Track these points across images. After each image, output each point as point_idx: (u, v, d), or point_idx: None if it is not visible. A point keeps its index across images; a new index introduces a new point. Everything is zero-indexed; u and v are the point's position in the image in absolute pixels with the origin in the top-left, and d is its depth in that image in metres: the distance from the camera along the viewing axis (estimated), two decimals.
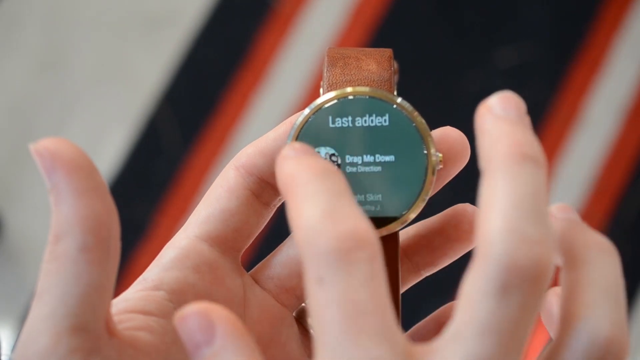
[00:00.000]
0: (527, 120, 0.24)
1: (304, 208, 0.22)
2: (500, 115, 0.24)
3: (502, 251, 0.21)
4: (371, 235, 0.22)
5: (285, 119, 0.30)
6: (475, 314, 0.21)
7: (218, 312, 0.23)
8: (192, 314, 0.23)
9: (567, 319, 0.23)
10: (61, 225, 0.24)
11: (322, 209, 0.22)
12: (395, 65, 0.31)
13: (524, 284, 0.21)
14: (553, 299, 0.26)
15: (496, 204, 0.22)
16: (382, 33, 1.11)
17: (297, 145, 0.24)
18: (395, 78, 0.31)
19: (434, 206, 0.31)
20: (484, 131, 0.23)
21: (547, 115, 1.07)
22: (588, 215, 1.04)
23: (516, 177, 0.22)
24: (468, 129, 0.32)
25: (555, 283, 0.26)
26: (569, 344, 0.22)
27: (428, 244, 0.31)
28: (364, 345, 0.21)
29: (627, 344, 0.22)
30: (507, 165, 0.22)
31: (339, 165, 0.29)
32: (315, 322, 0.22)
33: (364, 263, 0.21)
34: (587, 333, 0.22)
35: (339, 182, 0.23)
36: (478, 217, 0.22)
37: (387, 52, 0.31)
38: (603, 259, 0.24)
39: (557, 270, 0.25)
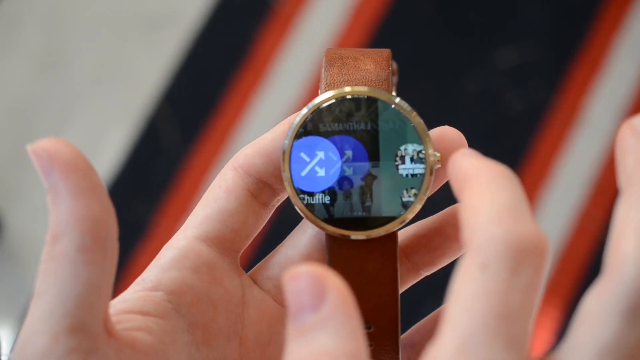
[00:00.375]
0: None
1: (491, 197, 0.22)
2: None
3: (635, 272, 0.21)
4: (548, 247, 0.22)
5: (284, 119, 0.30)
6: (600, 332, 0.21)
7: (333, 281, 0.22)
8: (305, 274, 0.22)
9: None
10: (59, 226, 0.24)
11: (508, 204, 0.22)
12: (394, 65, 0.31)
13: None
14: None
15: (633, 225, 0.22)
16: (382, 33, 1.11)
17: (474, 151, 0.24)
18: (394, 79, 0.31)
19: (432, 206, 0.31)
20: (626, 149, 0.23)
21: (547, 115, 1.07)
22: (588, 216, 1.04)
23: None
24: (467, 128, 0.32)
25: None
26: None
27: (427, 243, 0.31)
28: (497, 347, 0.20)
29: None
30: None
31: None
32: (458, 305, 0.21)
33: (532, 270, 0.21)
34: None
35: (521, 188, 0.23)
36: (612, 235, 0.22)
37: (385, 52, 0.31)
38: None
39: None
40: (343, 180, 0.29)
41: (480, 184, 0.23)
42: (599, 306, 0.21)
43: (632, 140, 0.23)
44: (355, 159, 0.29)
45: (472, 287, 0.21)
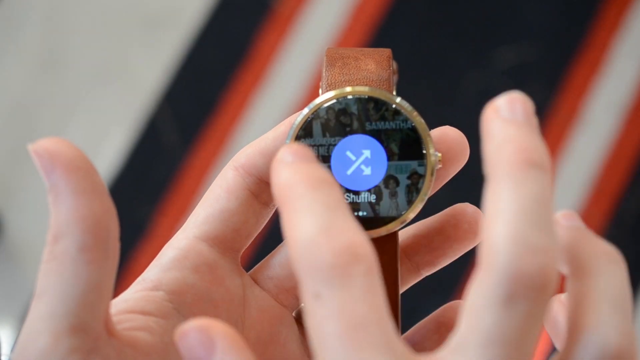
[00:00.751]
0: (534, 122, 0.23)
1: (299, 222, 0.22)
2: (506, 118, 0.23)
3: (506, 260, 0.21)
4: (367, 248, 0.22)
5: (285, 119, 0.30)
6: (480, 324, 0.21)
7: (218, 328, 0.23)
8: (192, 329, 0.23)
9: (576, 330, 0.22)
10: (60, 225, 0.24)
11: (317, 224, 0.21)
12: (395, 65, 0.31)
13: (529, 293, 0.21)
14: (558, 307, 0.26)
15: (500, 212, 0.21)
16: (382, 33, 1.11)
17: (295, 148, 0.23)
18: (395, 78, 0.31)
19: (433, 206, 0.31)
20: (489, 134, 0.23)
21: (547, 115, 1.07)
22: (588, 215, 1.04)
23: (520, 185, 0.22)
24: (467, 128, 0.32)
25: (560, 290, 0.25)
26: (578, 355, 0.22)
27: (428, 243, 0.31)
28: (365, 357, 0.20)
29: (636, 353, 0.22)
30: (511, 172, 0.22)
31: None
32: (314, 338, 0.21)
33: (361, 277, 0.21)
34: (596, 344, 0.22)
35: (335, 194, 0.22)
36: (482, 224, 0.22)
37: (386, 52, 0.31)
38: (610, 268, 0.23)
39: (563, 278, 0.24)
40: (388, 178, 0.29)
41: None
42: (476, 297, 0.21)
43: (495, 122, 0.23)
44: (355, 158, 0.29)
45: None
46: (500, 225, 0.21)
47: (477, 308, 0.21)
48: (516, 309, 0.21)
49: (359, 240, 0.22)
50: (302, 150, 0.23)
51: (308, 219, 0.22)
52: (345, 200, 0.23)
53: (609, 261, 0.23)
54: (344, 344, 0.21)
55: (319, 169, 0.23)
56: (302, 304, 0.22)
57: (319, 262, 0.21)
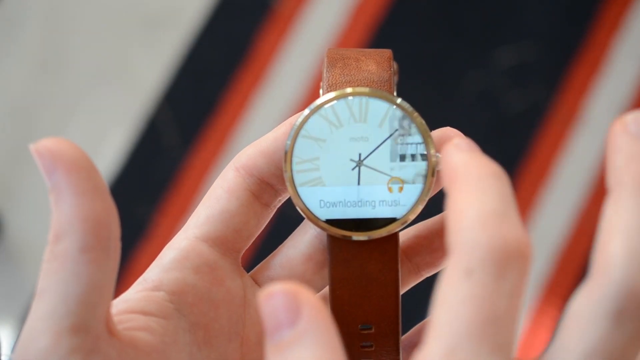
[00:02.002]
0: None
1: (477, 199, 0.22)
2: (636, 134, 0.23)
3: (622, 275, 0.21)
4: (531, 251, 0.22)
5: (285, 119, 0.30)
6: (587, 334, 0.21)
7: (306, 296, 0.22)
8: (279, 292, 0.22)
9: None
10: (61, 225, 0.24)
11: (494, 207, 0.22)
12: (395, 66, 0.31)
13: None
14: None
15: (621, 227, 0.21)
16: (382, 33, 1.11)
17: (469, 140, 0.24)
18: (395, 79, 0.31)
19: (433, 207, 0.31)
20: (616, 148, 0.23)
21: (547, 115, 1.07)
22: (588, 216, 1.04)
23: None
24: (467, 128, 0.32)
25: None
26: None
27: (428, 244, 0.31)
28: (483, 352, 0.20)
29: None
30: (636, 189, 0.22)
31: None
32: (443, 311, 0.21)
33: (517, 275, 0.21)
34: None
35: (509, 187, 0.23)
36: (600, 237, 0.22)
37: (387, 52, 0.31)
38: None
39: None
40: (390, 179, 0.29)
41: (467, 184, 0.23)
42: (586, 308, 0.21)
43: (622, 138, 0.23)
44: (355, 159, 0.29)
45: (457, 293, 0.21)
46: (620, 240, 0.21)
47: (585, 319, 0.21)
48: (625, 326, 0.21)
49: (527, 240, 0.22)
50: (470, 143, 0.24)
51: (486, 198, 0.22)
52: (515, 200, 0.23)
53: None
54: (470, 331, 0.21)
55: (495, 164, 0.23)
56: (443, 277, 0.21)
57: (483, 241, 0.21)
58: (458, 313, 0.21)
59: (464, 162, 0.23)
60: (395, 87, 0.30)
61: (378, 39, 1.11)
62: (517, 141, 1.07)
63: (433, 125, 0.30)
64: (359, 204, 0.29)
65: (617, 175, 0.23)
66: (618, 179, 0.23)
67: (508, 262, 0.21)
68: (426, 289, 0.32)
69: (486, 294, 0.21)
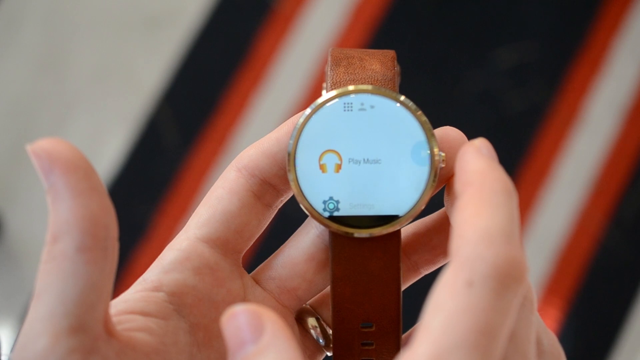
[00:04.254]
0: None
1: (488, 214, 0.23)
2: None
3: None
4: (528, 276, 0.23)
5: (285, 119, 0.30)
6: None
7: (268, 314, 0.23)
8: (243, 312, 0.23)
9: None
10: (59, 226, 0.23)
11: (504, 227, 0.23)
12: (398, 68, 0.31)
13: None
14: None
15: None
16: (382, 33, 1.11)
17: (489, 146, 0.25)
18: (398, 80, 0.31)
19: (432, 205, 0.31)
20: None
21: (547, 115, 1.07)
22: (588, 215, 1.04)
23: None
24: (467, 128, 0.32)
25: None
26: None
27: (427, 242, 0.31)
28: None
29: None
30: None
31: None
32: (438, 316, 0.22)
33: (514, 295, 0.22)
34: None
35: (517, 207, 0.24)
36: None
37: (391, 53, 0.31)
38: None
39: None
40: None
41: (481, 196, 0.24)
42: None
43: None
44: (359, 157, 0.29)
45: (456, 301, 0.22)
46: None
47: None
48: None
49: (525, 262, 0.23)
50: (494, 152, 0.25)
51: (497, 216, 0.23)
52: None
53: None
54: (464, 343, 0.21)
55: (508, 179, 0.25)
56: (446, 287, 0.23)
57: (491, 258, 0.22)
58: (453, 320, 0.22)
59: (481, 171, 0.24)
60: (398, 88, 0.30)
61: (378, 39, 1.11)
62: (517, 141, 1.07)
63: (433, 125, 0.30)
64: (362, 201, 0.29)
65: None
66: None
67: (509, 281, 0.22)
68: (427, 287, 0.32)
69: (484, 307, 0.22)
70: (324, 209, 0.29)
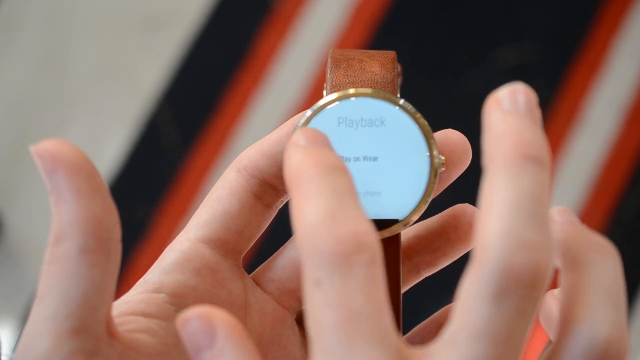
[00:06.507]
0: (536, 115, 0.23)
1: (306, 207, 0.22)
2: (507, 110, 0.22)
3: (498, 255, 0.21)
4: (372, 238, 0.21)
5: (285, 119, 0.30)
6: (470, 318, 0.21)
7: (219, 316, 0.23)
8: (193, 317, 0.23)
9: (567, 322, 0.22)
10: (61, 227, 0.23)
11: (323, 209, 0.21)
12: (399, 68, 0.31)
13: (519, 289, 0.21)
14: (552, 301, 0.26)
15: (495, 206, 0.21)
16: (382, 33, 1.11)
17: (309, 132, 0.23)
18: (399, 81, 0.31)
19: (433, 207, 0.31)
20: (489, 126, 0.23)
21: (547, 115, 1.07)
22: (588, 215, 1.04)
23: (516, 179, 0.21)
24: (468, 129, 0.32)
25: (554, 285, 0.25)
26: (568, 347, 0.22)
27: (428, 244, 0.31)
28: (358, 350, 0.21)
29: (626, 345, 0.22)
30: (508, 166, 0.21)
31: None
32: (311, 324, 0.21)
33: (363, 267, 0.21)
34: (586, 335, 0.22)
35: (344, 180, 0.22)
36: (477, 218, 0.22)
37: (391, 54, 0.31)
38: (603, 261, 0.23)
39: (556, 272, 0.24)
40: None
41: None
42: (467, 292, 0.21)
43: (495, 115, 0.22)
44: (359, 160, 0.29)
45: (313, 304, 0.21)
46: (494, 220, 0.21)
47: (468, 303, 0.21)
48: (506, 305, 0.21)
49: (364, 229, 0.21)
50: (316, 134, 0.23)
51: (315, 203, 0.22)
52: (354, 188, 0.23)
53: (601, 253, 0.23)
54: (338, 335, 0.21)
55: (331, 155, 0.23)
56: (303, 292, 0.22)
57: (321, 248, 0.21)
58: (319, 321, 0.21)
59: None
60: (399, 89, 0.30)
61: (378, 39, 1.11)
62: None
63: (433, 125, 0.30)
64: (362, 204, 0.29)
65: (489, 154, 0.22)
66: (490, 158, 0.22)
67: (350, 258, 0.21)
68: (427, 290, 0.32)
69: (337, 296, 0.21)
70: None
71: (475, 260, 0.21)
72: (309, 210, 0.22)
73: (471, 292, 0.21)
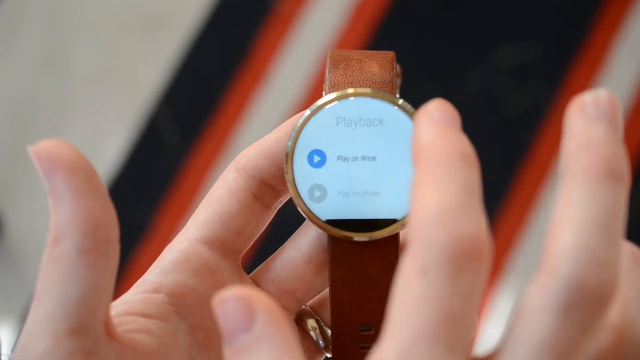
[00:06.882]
0: (620, 125, 0.22)
1: (433, 191, 0.21)
2: (592, 118, 0.22)
3: (571, 268, 0.20)
4: (488, 247, 0.21)
5: (285, 119, 0.30)
6: (535, 328, 0.20)
7: (260, 299, 0.22)
8: (232, 297, 0.22)
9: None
10: (60, 227, 0.23)
11: (453, 200, 0.20)
12: (398, 68, 0.31)
13: (588, 305, 0.20)
14: None
15: (572, 218, 0.21)
16: (382, 33, 1.11)
17: (445, 107, 0.22)
18: (398, 81, 0.31)
19: None
20: (572, 132, 0.22)
21: (547, 116, 1.07)
22: None
23: (596, 194, 0.21)
24: (467, 128, 0.32)
25: None
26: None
27: None
28: (437, 353, 0.20)
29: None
30: (589, 180, 0.21)
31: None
32: (399, 309, 0.20)
33: (474, 274, 0.20)
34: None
35: (476, 176, 0.21)
36: (550, 228, 0.21)
37: (390, 54, 0.30)
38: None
39: None
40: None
41: (430, 170, 0.21)
42: (535, 302, 0.21)
43: (578, 121, 0.22)
44: (357, 160, 0.29)
45: (413, 292, 0.20)
46: (569, 232, 0.21)
47: (533, 312, 0.21)
48: (573, 319, 0.20)
49: (484, 235, 0.21)
50: (452, 111, 0.22)
51: (443, 190, 0.21)
52: (481, 186, 0.22)
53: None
54: (426, 332, 0.20)
55: (466, 142, 0.22)
56: (399, 272, 0.20)
57: (439, 239, 0.20)
58: (413, 313, 0.20)
59: (430, 142, 0.22)
60: (398, 89, 0.30)
61: (378, 39, 1.11)
62: (517, 141, 1.07)
63: None
64: (361, 204, 0.29)
65: (570, 162, 0.22)
66: (570, 166, 0.22)
67: (464, 261, 0.20)
68: None
69: (441, 294, 0.20)
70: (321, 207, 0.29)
71: (544, 270, 0.21)
72: (435, 196, 0.21)
73: (538, 302, 0.21)
